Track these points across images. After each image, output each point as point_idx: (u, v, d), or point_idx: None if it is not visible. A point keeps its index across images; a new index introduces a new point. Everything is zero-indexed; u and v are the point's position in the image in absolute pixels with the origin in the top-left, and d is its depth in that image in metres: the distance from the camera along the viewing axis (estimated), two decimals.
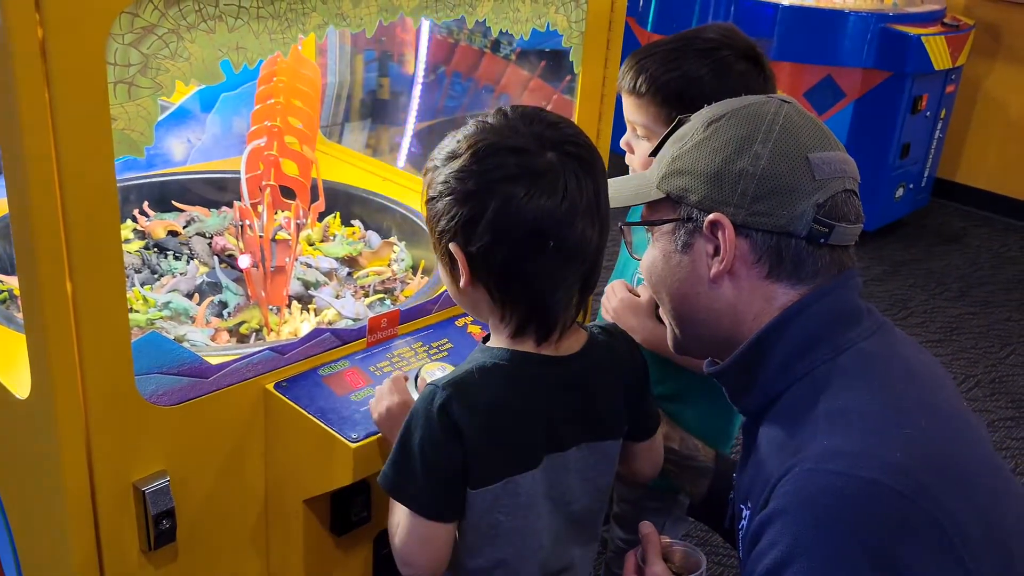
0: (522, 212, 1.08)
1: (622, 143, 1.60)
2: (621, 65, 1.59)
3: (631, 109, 1.53)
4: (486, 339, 1.22)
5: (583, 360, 1.20)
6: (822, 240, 1.08)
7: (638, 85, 1.49)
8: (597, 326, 1.27)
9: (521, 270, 1.11)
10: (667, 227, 1.16)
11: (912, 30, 4.25)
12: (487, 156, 1.10)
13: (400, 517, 1.17)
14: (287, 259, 1.72)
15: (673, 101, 1.46)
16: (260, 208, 1.75)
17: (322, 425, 1.33)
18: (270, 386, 1.40)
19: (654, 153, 1.22)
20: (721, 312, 1.14)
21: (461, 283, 1.14)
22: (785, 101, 1.13)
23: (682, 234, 1.14)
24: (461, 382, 1.14)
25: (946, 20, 4.57)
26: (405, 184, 2.18)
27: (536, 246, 1.09)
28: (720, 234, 1.10)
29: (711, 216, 1.09)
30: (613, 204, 1.23)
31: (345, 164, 2.29)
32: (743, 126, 1.10)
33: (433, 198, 1.14)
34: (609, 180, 1.30)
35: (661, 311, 1.24)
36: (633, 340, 1.31)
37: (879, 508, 0.93)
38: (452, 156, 1.13)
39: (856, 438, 0.98)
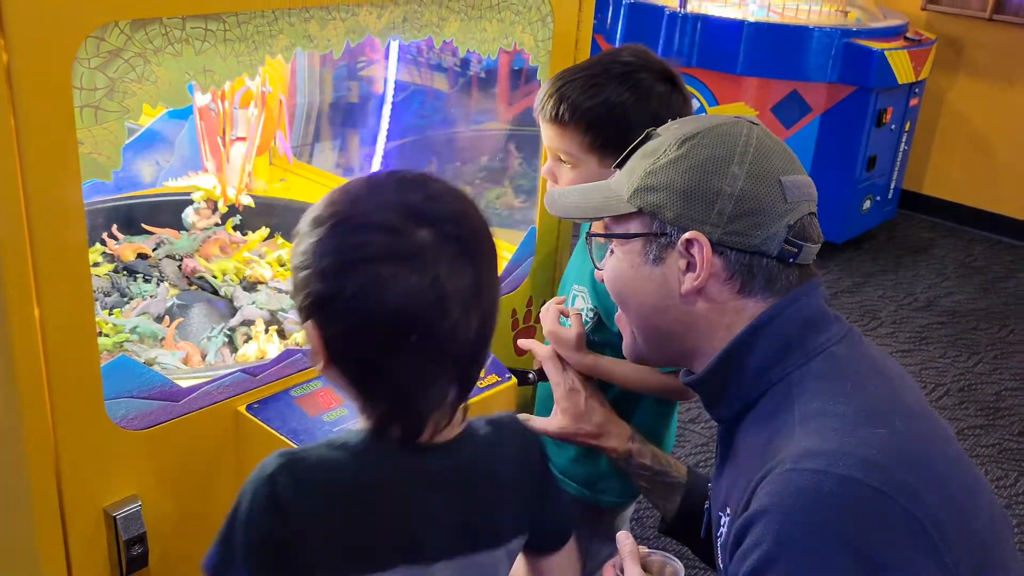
0: (380, 300, 0.93)
1: (544, 172, 1.58)
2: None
3: (553, 137, 1.51)
4: None
5: (454, 455, 1.05)
6: (791, 260, 1.11)
7: (560, 113, 1.48)
8: (487, 419, 1.12)
9: (379, 364, 0.98)
10: (637, 241, 1.16)
11: (875, 45, 4.32)
12: (347, 232, 0.96)
13: None
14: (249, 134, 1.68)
15: (596, 127, 1.46)
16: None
17: (295, 446, 1.33)
18: (242, 408, 1.39)
19: (619, 165, 1.22)
20: (690, 325, 1.15)
21: (320, 365, 1.01)
22: (753, 123, 1.15)
23: (653, 248, 1.14)
24: (299, 453, 1.02)
25: (908, 35, 4.64)
26: None
27: (396, 339, 0.95)
28: (696, 252, 1.11)
29: (688, 234, 1.11)
30: (578, 215, 1.23)
31: (315, 184, 2.30)
32: (719, 146, 1.11)
33: (295, 267, 1.00)
34: (567, 190, 1.29)
35: (624, 318, 1.23)
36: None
37: (858, 504, 0.95)
38: (316, 223, 0.98)
39: (832, 438, 1.00)
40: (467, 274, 0.97)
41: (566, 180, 1.52)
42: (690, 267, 1.12)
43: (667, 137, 1.16)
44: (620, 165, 1.22)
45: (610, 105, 1.46)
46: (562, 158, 1.52)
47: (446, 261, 0.95)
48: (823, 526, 0.95)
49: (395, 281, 0.93)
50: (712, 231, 1.10)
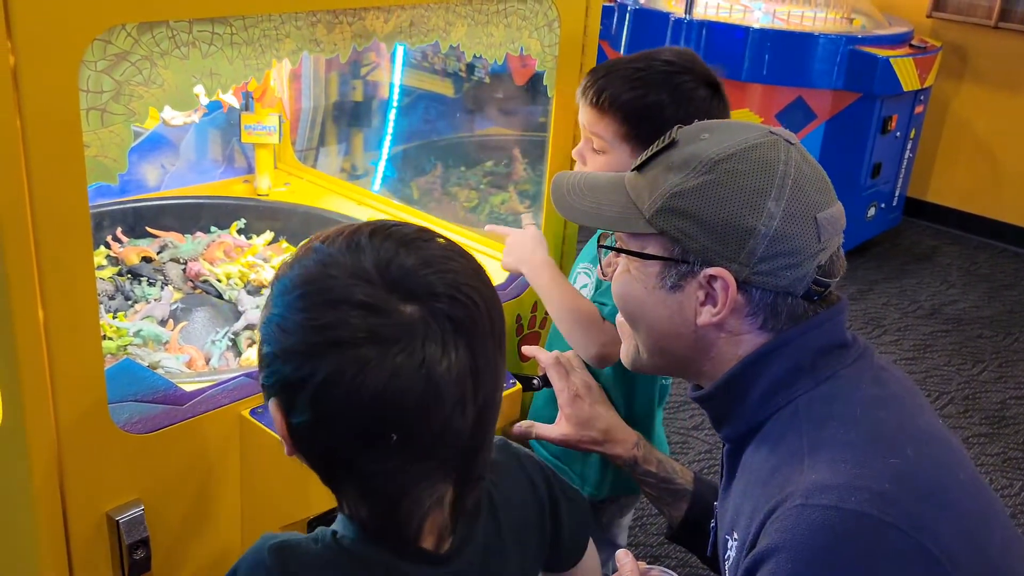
0: (355, 392, 0.80)
1: (574, 153, 1.61)
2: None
3: (591, 119, 1.55)
4: None
5: (458, 562, 0.93)
6: (816, 298, 1.08)
7: (600, 101, 1.52)
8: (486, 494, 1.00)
9: (353, 466, 0.85)
10: (654, 263, 1.10)
11: (880, 52, 4.31)
12: (318, 306, 0.82)
13: None
14: None
15: (633, 119, 1.50)
16: None
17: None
18: (246, 412, 1.38)
19: (639, 168, 1.14)
20: (701, 351, 1.12)
21: (285, 449, 0.90)
22: (790, 142, 1.08)
23: (672, 275, 1.09)
24: (292, 554, 0.90)
25: (913, 42, 4.63)
26: (381, 208, 2.18)
27: (373, 438, 0.82)
28: (719, 287, 1.06)
29: (713, 269, 1.05)
30: (588, 224, 1.16)
31: (320, 188, 2.29)
32: (754, 176, 1.04)
33: (260, 334, 0.88)
34: (577, 184, 1.19)
35: (625, 325, 1.19)
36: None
37: (870, 540, 0.93)
38: (282, 288, 0.85)
39: (843, 470, 0.98)
40: (462, 359, 0.82)
41: (594, 166, 1.56)
42: (709, 299, 1.07)
43: (696, 152, 1.07)
44: (640, 168, 1.14)
45: (649, 101, 1.50)
46: (595, 145, 1.55)
47: (437, 343, 0.81)
48: (837, 564, 0.93)
49: (374, 369, 0.79)
50: (740, 270, 1.04)
